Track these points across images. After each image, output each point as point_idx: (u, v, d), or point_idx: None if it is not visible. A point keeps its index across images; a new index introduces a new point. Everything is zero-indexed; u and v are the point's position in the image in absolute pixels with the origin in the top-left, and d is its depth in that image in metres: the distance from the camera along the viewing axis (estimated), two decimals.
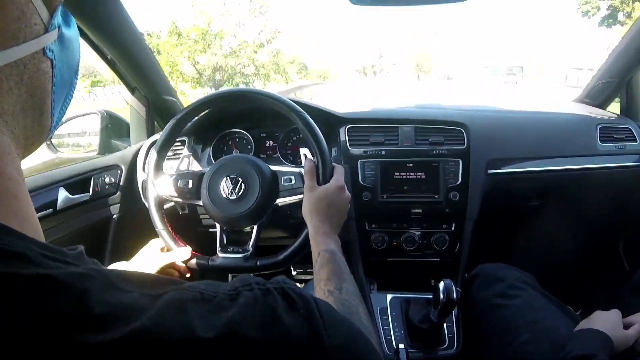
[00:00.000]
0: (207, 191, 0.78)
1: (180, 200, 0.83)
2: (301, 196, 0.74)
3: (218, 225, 0.82)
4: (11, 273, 0.21)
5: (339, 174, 0.73)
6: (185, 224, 1.00)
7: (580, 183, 1.05)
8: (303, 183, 0.74)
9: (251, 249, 0.78)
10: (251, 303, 0.27)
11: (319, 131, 0.75)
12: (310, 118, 0.76)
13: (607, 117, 1.14)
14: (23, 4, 0.28)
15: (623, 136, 1.07)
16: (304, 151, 0.80)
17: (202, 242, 0.88)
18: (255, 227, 0.79)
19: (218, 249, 0.80)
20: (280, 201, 0.77)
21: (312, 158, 0.76)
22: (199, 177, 0.81)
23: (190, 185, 0.81)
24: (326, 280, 0.57)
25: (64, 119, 1.24)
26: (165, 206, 0.91)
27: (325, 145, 0.74)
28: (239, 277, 0.31)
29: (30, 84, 0.30)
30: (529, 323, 0.77)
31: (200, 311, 0.25)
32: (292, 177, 0.77)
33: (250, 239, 0.79)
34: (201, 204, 0.80)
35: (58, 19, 0.32)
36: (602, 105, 1.23)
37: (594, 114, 1.15)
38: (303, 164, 0.78)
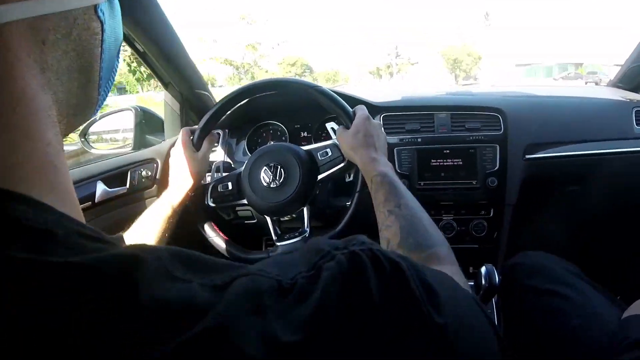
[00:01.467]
0: (249, 186, 0.78)
1: (224, 204, 0.83)
2: (342, 165, 0.76)
3: (268, 218, 0.81)
4: (34, 260, 0.17)
5: (360, 109, 0.74)
6: (219, 216, 1.00)
7: (618, 167, 1.03)
8: (340, 151, 0.75)
9: (307, 229, 0.78)
10: (336, 276, 0.22)
11: (330, 91, 0.77)
12: (324, 87, 0.77)
13: None
14: None
15: None
16: (330, 125, 0.81)
17: (238, 235, 0.88)
18: (305, 209, 0.78)
19: (274, 239, 0.80)
20: (322, 177, 0.78)
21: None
22: (236, 177, 0.81)
23: (230, 187, 0.81)
24: (384, 202, 0.56)
25: (97, 116, 1.24)
26: None
27: (339, 98, 0.75)
28: (312, 244, 0.26)
29: (79, 42, 0.27)
30: (578, 309, 0.76)
31: (280, 308, 0.20)
32: (328, 150, 0.78)
33: (304, 221, 0.79)
34: (245, 202, 0.80)
35: None
36: (636, 88, 1.21)
37: (629, 97, 1.13)
38: (333, 137, 0.79)
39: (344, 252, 0.23)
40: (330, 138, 1.01)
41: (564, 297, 0.79)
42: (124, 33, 0.92)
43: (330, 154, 0.77)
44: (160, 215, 0.73)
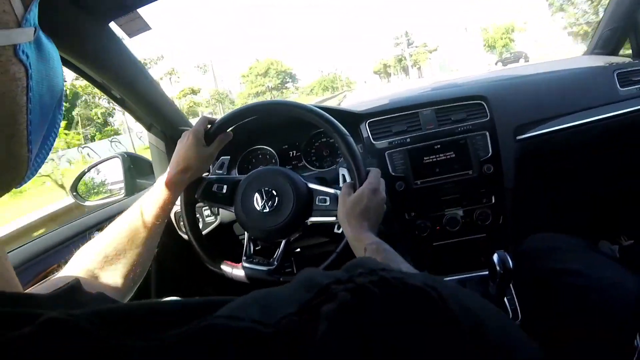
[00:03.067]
0: (241, 201, 0.78)
1: (213, 203, 0.82)
2: (334, 218, 0.73)
3: (246, 234, 0.81)
4: None
5: (373, 177, 0.70)
6: (217, 232, 1.00)
7: (609, 132, 1.03)
8: (337, 205, 0.71)
9: (276, 263, 0.77)
10: (339, 325, 0.16)
11: (351, 139, 0.71)
12: (344, 130, 0.72)
13: (622, 62, 1.12)
14: None
15: None
16: (342, 172, 0.80)
17: (235, 251, 0.87)
18: (282, 242, 0.78)
19: (243, 257, 0.80)
20: (312, 220, 0.76)
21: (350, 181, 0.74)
22: (234, 184, 0.81)
23: (224, 190, 0.80)
24: None
25: (86, 168, 1.22)
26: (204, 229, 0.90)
27: (358, 152, 0.71)
28: (304, 275, 0.21)
29: None
30: (594, 282, 0.75)
31: None
32: (327, 198, 0.75)
33: (276, 253, 0.78)
34: (233, 210, 0.80)
35: (34, 17, 0.26)
36: (614, 52, 1.21)
37: (608, 61, 1.14)
38: (341, 184, 0.76)
39: (348, 286, 0.17)
40: (325, 165, 0.99)
41: (577, 274, 0.78)
42: (98, 82, 0.92)
43: (327, 203, 0.75)
44: (158, 200, 0.70)
